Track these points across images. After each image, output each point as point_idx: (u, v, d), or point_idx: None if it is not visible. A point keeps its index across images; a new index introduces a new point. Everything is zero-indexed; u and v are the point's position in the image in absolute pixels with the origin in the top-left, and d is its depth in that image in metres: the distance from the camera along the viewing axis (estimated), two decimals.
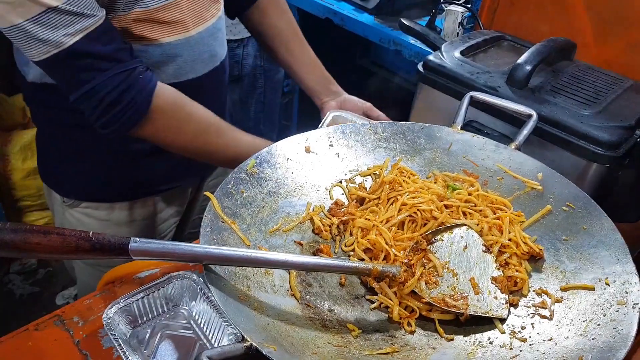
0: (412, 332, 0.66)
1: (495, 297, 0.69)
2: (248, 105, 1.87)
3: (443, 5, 1.75)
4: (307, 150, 0.87)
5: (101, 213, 1.00)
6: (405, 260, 0.71)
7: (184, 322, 0.78)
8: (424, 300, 0.68)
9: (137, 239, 0.56)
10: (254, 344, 0.52)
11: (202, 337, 0.76)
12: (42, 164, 1.02)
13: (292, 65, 1.14)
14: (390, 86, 2.27)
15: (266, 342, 0.54)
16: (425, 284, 0.70)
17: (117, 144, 0.94)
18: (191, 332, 0.77)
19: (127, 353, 0.68)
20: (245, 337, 0.52)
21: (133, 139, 0.89)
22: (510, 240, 0.75)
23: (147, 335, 0.76)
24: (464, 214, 0.80)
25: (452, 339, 0.65)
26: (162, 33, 0.86)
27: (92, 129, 0.86)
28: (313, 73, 1.14)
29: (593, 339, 0.59)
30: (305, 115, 2.39)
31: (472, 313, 0.67)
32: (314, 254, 0.76)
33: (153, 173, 1.01)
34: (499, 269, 0.72)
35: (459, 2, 1.70)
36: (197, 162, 1.00)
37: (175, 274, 0.79)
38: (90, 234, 0.56)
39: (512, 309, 0.69)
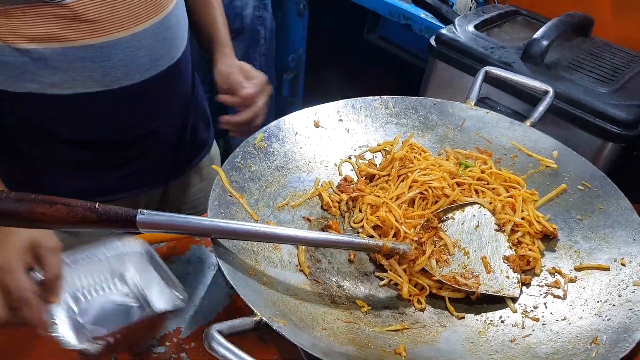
0: (422, 310, 0.65)
1: (507, 277, 0.67)
2: (252, 61, 1.82)
3: None
4: (316, 125, 0.85)
5: None
6: (416, 238, 0.70)
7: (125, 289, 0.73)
8: (435, 278, 0.67)
9: (145, 211, 0.55)
10: (263, 318, 0.51)
11: (142, 301, 0.72)
12: None
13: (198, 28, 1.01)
14: (398, 61, 2.23)
15: (275, 316, 0.53)
16: (436, 262, 0.68)
17: (46, 152, 0.86)
18: (132, 297, 0.72)
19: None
20: (255, 311, 0.51)
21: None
22: (523, 219, 0.74)
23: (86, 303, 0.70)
24: (476, 191, 0.78)
25: (463, 317, 0.64)
26: (84, 33, 0.74)
27: (22, 136, 0.81)
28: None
29: (608, 320, 0.58)
30: (311, 91, 2.36)
31: (484, 292, 0.65)
32: (323, 229, 0.75)
33: (90, 185, 0.92)
34: (511, 248, 0.70)
35: None
36: (146, 172, 0.94)
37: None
38: (97, 205, 0.54)
39: (524, 288, 0.68)
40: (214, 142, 1.13)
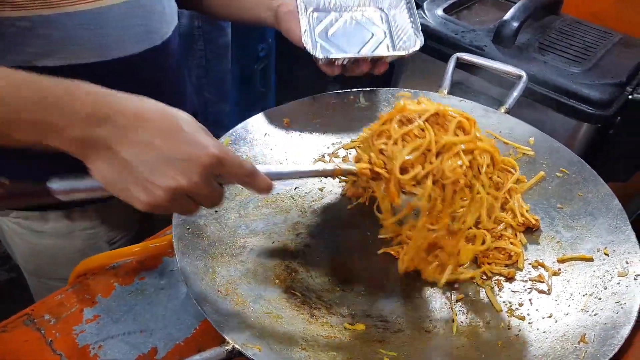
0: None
1: None
2: (188, 68, 1.73)
3: None
4: (286, 124, 0.82)
5: (33, 224, 0.88)
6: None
7: None
8: None
9: (57, 180, 0.50)
10: (236, 346, 0.48)
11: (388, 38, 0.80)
12: None
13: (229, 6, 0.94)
14: None
15: (250, 342, 0.50)
16: None
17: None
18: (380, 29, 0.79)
19: None
20: (227, 338, 0.48)
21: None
22: (503, 209, 0.72)
23: None
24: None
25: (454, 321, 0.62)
26: None
27: None
28: None
29: (595, 315, 0.56)
30: (284, 80, 2.31)
31: None
32: (298, 235, 0.72)
33: None
34: None
35: None
36: None
37: None
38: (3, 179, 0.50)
39: (508, 283, 0.66)
40: None
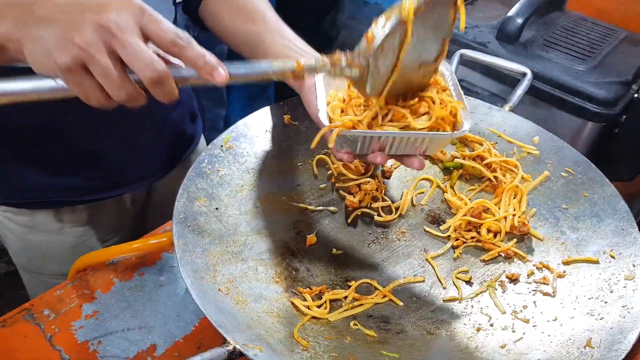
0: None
1: None
2: None
3: None
4: (287, 121, 0.80)
5: (22, 219, 0.86)
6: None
7: None
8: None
9: None
10: (237, 346, 0.47)
11: None
12: None
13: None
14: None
15: (251, 342, 0.49)
16: None
17: (24, 145, 0.80)
18: None
19: None
20: (227, 339, 0.47)
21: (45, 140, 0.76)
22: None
23: None
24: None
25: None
26: None
27: None
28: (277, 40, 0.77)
29: (601, 319, 0.55)
30: None
31: None
32: (298, 234, 0.71)
33: (71, 182, 0.85)
34: None
35: None
36: (130, 170, 0.87)
37: None
38: None
39: (512, 285, 0.65)
40: (202, 137, 1.06)
